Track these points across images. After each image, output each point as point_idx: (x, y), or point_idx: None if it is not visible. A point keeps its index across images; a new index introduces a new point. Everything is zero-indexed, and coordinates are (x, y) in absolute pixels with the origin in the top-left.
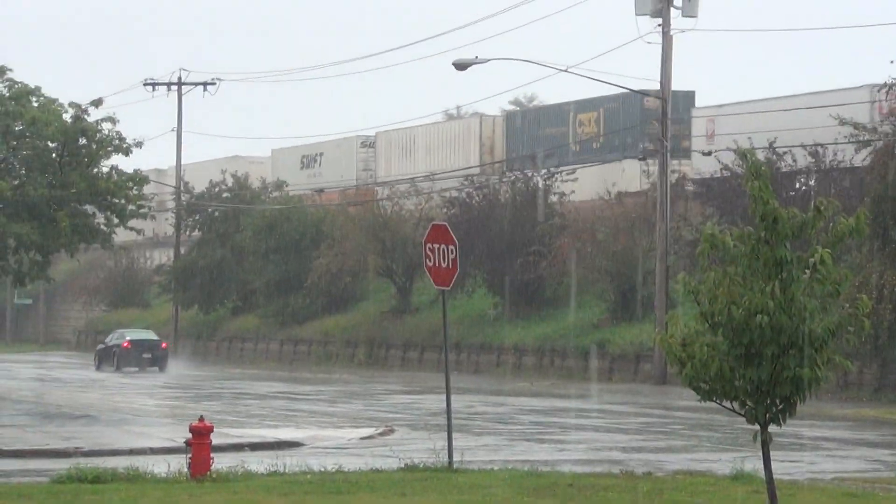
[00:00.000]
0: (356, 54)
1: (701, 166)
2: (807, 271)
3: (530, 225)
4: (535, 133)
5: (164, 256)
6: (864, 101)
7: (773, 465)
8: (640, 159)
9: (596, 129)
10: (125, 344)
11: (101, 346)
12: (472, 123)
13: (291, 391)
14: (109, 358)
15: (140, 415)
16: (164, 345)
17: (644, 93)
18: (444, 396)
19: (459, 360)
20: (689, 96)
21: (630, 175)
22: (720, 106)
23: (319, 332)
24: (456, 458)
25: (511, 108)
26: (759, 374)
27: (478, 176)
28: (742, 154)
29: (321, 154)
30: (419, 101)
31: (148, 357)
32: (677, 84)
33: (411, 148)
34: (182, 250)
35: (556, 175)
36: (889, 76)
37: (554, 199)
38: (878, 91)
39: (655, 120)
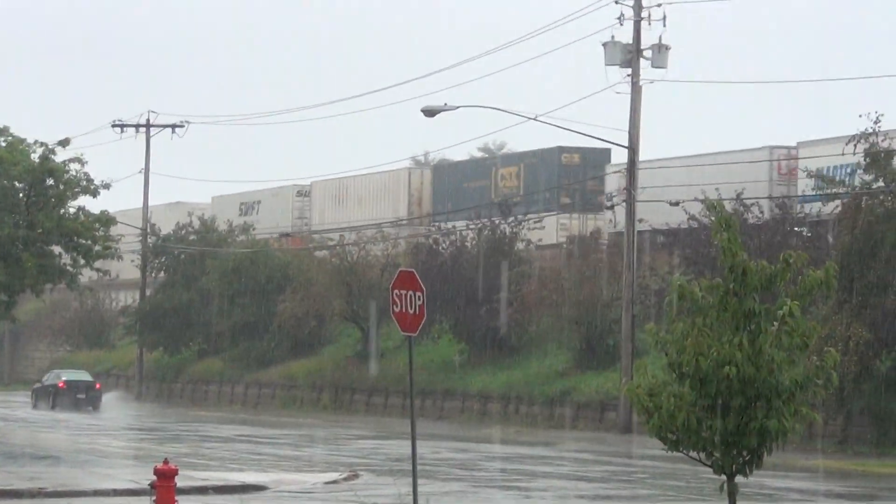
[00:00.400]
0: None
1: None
2: (775, 323)
3: (496, 272)
4: (460, 186)
5: (129, 298)
6: (764, 160)
7: None
8: (607, 208)
9: (517, 183)
10: (60, 384)
11: (37, 385)
12: (401, 175)
13: (256, 434)
14: (46, 397)
15: (104, 456)
16: (97, 385)
17: (611, 142)
18: (408, 441)
19: (424, 405)
20: (604, 153)
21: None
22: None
23: (284, 376)
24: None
25: (480, 154)
26: (726, 425)
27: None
28: (711, 206)
29: (259, 202)
30: (388, 147)
31: (82, 397)
32: (646, 134)
33: (344, 197)
34: (148, 292)
35: (523, 223)
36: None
37: (521, 245)
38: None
39: (596, 174)
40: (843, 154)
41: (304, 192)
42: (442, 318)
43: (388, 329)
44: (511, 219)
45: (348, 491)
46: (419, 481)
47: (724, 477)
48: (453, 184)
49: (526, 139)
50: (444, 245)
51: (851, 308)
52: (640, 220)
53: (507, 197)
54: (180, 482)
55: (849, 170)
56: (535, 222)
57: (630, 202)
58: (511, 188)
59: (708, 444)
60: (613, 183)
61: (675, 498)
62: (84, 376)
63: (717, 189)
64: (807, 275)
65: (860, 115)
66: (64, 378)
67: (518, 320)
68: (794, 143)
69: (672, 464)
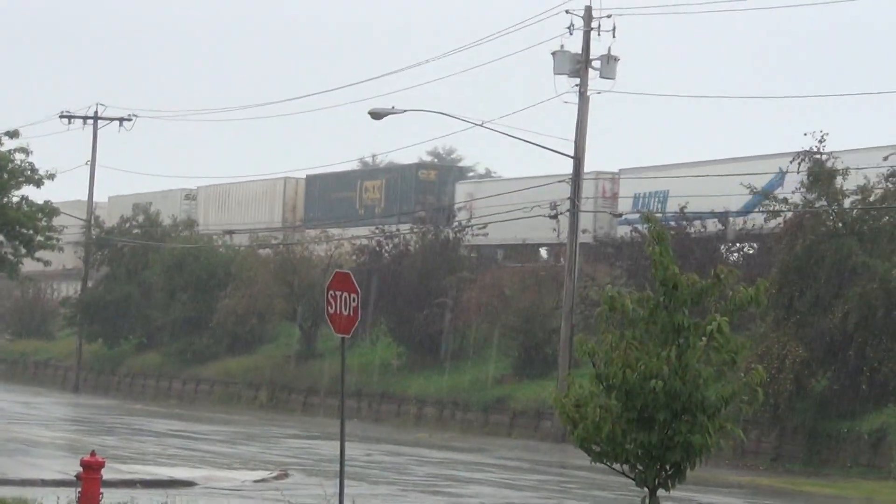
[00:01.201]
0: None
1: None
2: (703, 338)
3: (438, 277)
4: (329, 196)
5: (71, 289)
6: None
7: None
8: (550, 216)
9: (379, 195)
10: None
11: None
12: (277, 184)
13: (190, 430)
14: None
15: (36, 446)
16: None
17: (557, 151)
18: None
19: (360, 407)
20: (462, 171)
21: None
22: (478, 182)
23: (222, 373)
24: None
25: (428, 158)
26: (651, 439)
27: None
28: (646, 218)
29: (150, 203)
30: (337, 148)
31: None
32: (592, 145)
33: (227, 202)
34: (90, 284)
35: (466, 228)
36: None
37: (464, 251)
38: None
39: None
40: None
41: (191, 196)
42: (382, 321)
43: (328, 329)
44: (455, 224)
45: (276, 490)
46: (349, 483)
47: (646, 490)
48: (323, 194)
49: (474, 145)
50: (387, 248)
51: (789, 326)
52: (584, 231)
53: (369, 208)
54: (109, 475)
55: (660, 196)
56: (479, 228)
57: (574, 212)
58: (374, 200)
59: (631, 457)
60: (460, 200)
61: None
62: None
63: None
64: (737, 291)
65: (805, 134)
66: None
67: (458, 326)
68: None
69: (604, 475)
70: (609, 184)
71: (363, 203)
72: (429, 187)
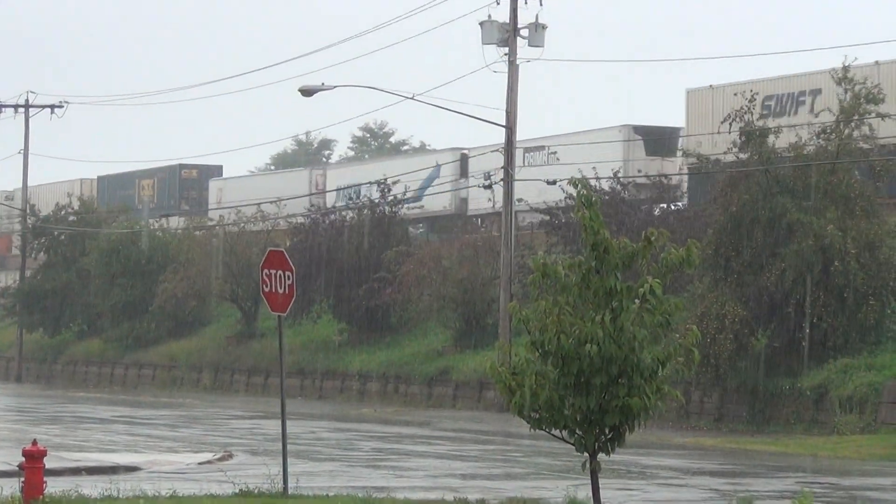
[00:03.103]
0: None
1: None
2: (637, 301)
3: (376, 252)
4: (116, 192)
5: (9, 279)
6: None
7: (609, 493)
8: (484, 187)
9: (152, 192)
10: None
11: None
12: (75, 184)
13: (133, 415)
14: None
15: None
16: None
17: (488, 121)
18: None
19: (304, 385)
20: (217, 169)
21: None
22: (226, 179)
23: (165, 357)
24: (292, 483)
25: (360, 134)
26: (588, 403)
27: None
28: (574, 183)
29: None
30: (268, 127)
31: None
32: (522, 113)
33: (38, 200)
34: (28, 273)
35: (402, 203)
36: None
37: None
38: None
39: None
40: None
41: (9, 197)
42: (322, 298)
43: (268, 309)
44: (390, 198)
45: (220, 471)
46: (293, 461)
47: (586, 455)
48: (111, 192)
49: (406, 119)
50: (323, 225)
51: (727, 286)
52: (519, 200)
53: (145, 204)
54: (53, 463)
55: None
56: (413, 202)
57: (508, 181)
58: (149, 196)
59: (570, 423)
60: (213, 195)
61: (549, 476)
62: None
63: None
64: (668, 252)
65: (735, 94)
66: None
67: (398, 300)
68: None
69: (547, 442)
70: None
71: (140, 199)
72: (192, 184)
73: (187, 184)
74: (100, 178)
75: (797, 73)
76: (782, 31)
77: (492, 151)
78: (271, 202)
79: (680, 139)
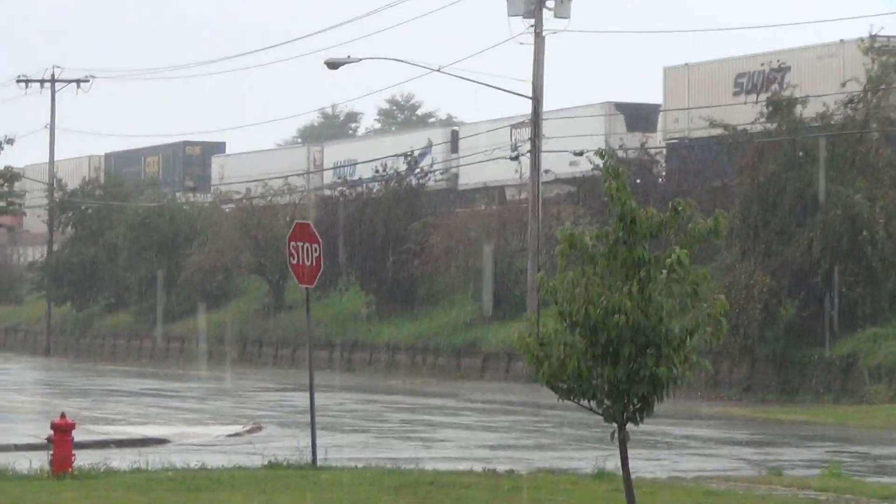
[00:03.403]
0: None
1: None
2: (664, 271)
3: (403, 224)
4: (123, 169)
5: (37, 253)
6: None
7: (638, 464)
8: (512, 158)
9: (157, 168)
10: None
11: None
12: (83, 161)
13: (162, 388)
14: None
15: (8, 411)
16: None
17: (514, 93)
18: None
19: (332, 358)
20: (220, 145)
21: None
22: (228, 156)
23: (192, 330)
24: (321, 455)
25: (387, 107)
26: (616, 374)
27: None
28: (600, 154)
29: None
30: (295, 100)
31: None
32: (550, 85)
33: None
34: (56, 247)
35: (429, 174)
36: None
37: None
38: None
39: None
40: None
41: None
42: (349, 271)
43: (295, 281)
44: (417, 170)
45: (249, 444)
46: (322, 433)
47: (615, 425)
48: (118, 167)
49: (432, 91)
50: (350, 197)
51: (755, 256)
52: (546, 171)
53: (151, 179)
54: (82, 436)
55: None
56: (440, 173)
57: (535, 153)
58: (154, 172)
59: (598, 393)
60: (216, 172)
61: (577, 447)
62: None
63: None
64: (695, 223)
65: (762, 65)
66: None
67: (425, 272)
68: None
69: (575, 413)
70: None
71: (147, 174)
72: (196, 161)
73: (191, 160)
74: (107, 156)
75: (767, 51)
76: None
77: (487, 131)
78: (270, 179)
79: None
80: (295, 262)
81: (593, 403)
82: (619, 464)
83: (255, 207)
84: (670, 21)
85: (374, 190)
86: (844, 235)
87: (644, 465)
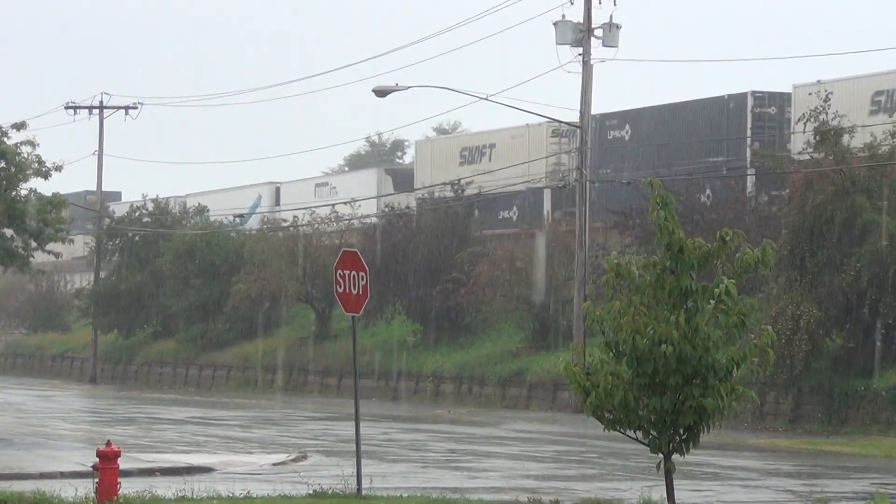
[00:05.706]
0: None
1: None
2: (711, 301)
3: (450, 252)
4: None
5: (84, 280)
6: None
7: (684, 495)
8: (559, 187)
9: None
10: None
11: None
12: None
13: (207, 416)
14: None
15: (53, 439)
16: None
17: (561, 122)
18: None
19: (378, 386)
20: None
21: None
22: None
23: (238, 358)
24: (366, 484)
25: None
26: (663, 404)
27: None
28: (649, 184)
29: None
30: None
31: None
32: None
33: None
34: (102, 274)
35: (475, 204)
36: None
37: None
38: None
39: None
40: None
41: None
42: (395, 299)
43: (342, 310)
44: (463, 199)
45: (294, 472)
46: (367, 462)
47: (661, 456)
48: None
49: (480, 118)
50: (397, 226)
51: (802, 287)
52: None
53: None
54: (127, 464)
55: None
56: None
57: (582, 182)
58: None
59: (644, 423)
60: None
61: (623, 477)
62: None
63: None
64: (743, 253)
65: (810, 94)
66: None
67: (471, 301)
68: None
69: (621, 444)
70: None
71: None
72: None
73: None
74: None
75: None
76: (855, 27)
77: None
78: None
79: None
80: (342, 290)
81: (639, 434)
82: (665, 494)
83: (303, 235)
84: (728, 50)
85: (422, 220)
86: (892, 266)
87: (689, 496)
